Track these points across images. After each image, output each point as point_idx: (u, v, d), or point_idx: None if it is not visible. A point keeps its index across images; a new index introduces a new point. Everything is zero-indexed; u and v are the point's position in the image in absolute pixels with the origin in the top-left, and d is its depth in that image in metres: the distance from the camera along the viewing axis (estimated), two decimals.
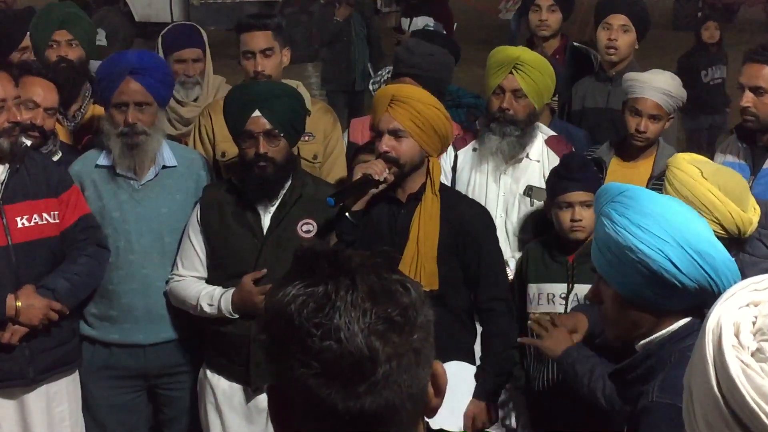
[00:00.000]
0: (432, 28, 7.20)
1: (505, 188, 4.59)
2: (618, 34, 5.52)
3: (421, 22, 11.16)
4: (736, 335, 1.33)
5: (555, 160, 4.58)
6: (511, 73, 4.50)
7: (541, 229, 4.54)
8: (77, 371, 4.44)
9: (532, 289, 4.31)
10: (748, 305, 1.36)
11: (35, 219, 4.18)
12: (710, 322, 1.36)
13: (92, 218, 4.34)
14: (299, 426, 1.52)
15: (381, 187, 4.03)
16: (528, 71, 4.52)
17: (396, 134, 4.01)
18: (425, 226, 4.06)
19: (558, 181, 4.20)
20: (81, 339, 4.47)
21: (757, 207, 3.69)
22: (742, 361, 1.30)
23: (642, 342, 2.61)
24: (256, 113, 4.12)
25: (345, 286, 1.48)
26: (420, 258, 3.96)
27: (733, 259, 2.52)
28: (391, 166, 4.01)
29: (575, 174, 4.16)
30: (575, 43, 6.31)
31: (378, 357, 1.45)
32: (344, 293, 1.47)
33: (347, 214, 4.04)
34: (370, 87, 5.85)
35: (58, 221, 4.24)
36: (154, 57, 4.54)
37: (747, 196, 3.55)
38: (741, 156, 4.41)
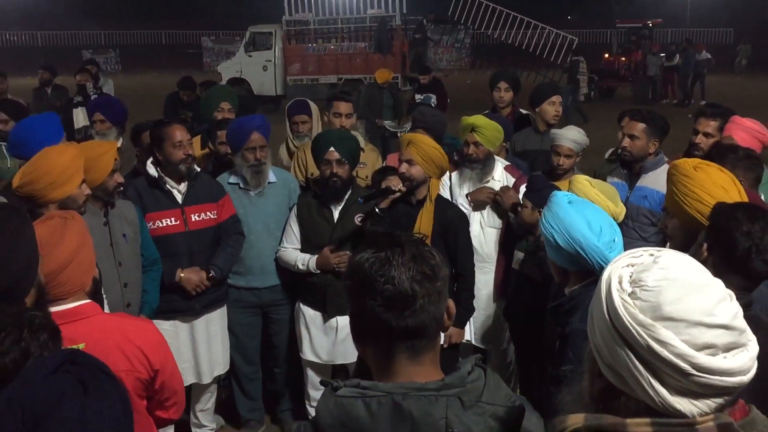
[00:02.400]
0: (424, 101, 7.10)
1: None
2: (557, 108, 5.51)
3: (423, 97, 11.19)
4: (620, 283, 1.30)
5: (510, 179, 4.56)
6: (471, 132, 4.46)
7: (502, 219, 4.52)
8: (225, 305, 4.44)
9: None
10: (628, 265, 1.33)
11: (202, 215, 4.16)
12: (605, 274, 1.34)
13: (237, 216, 4.33)
14: (369, 338, 1.54)
15: (397, 194, 4.02)
16: (482, 131, 4.46)
17: (409, 162, 4.04)
18: (424, 220, 4.07)
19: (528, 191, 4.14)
20: (227, 286, 4.47)
21: (623, 206, 3.62)
22: (623, 299, 1.28)
23: (568, 290, 2.61)
24: (332, 149, 4.11)
25: (398, 252, 1.49)
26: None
27: (599, 245, 2.47)
28: (405, 182, 4.04)
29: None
30: (521, 110, 6.29)
31: (417, 295, 1.47)
32: (397, 257, 1.48)
33: (377, 210, 4.01)
34: (399, 135, 5.71)
35: (216, 217, 4.21)
36: (265, 118, 4.52)
37: (617, 199, 3.50)
38: (623, 178, 4.37)
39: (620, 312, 1.26)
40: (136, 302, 3.73)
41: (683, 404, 1.23)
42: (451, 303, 1.55)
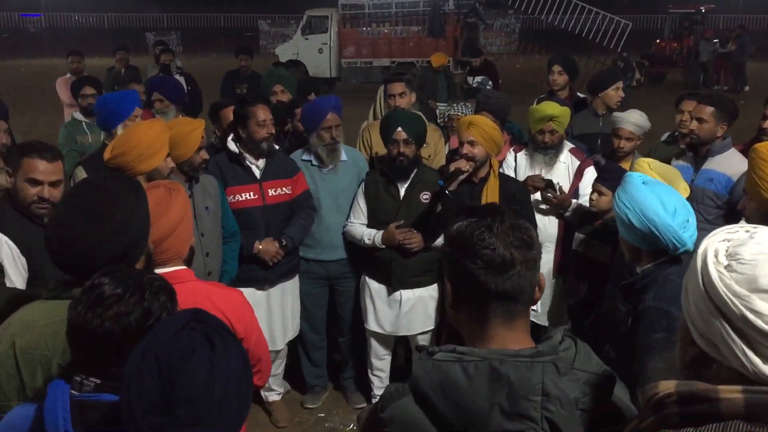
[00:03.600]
0: (481, 83, 7.05)
1: (546, 176, 4.53)
2: (620, 93, 5.48)
3: (481, 79, 11.10)
4: (716, 256, 1.31)
5: (575, 162, 4.56)
6: (548, 122, 4.45)
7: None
8: (297, 275, 4.54)
9: None
10: (724, 240, 1.34)
11: (278, 190, 4.25)
12: (701, 248, 1.34)
13: (309, 191, 4.42)
14: (465, 303, 1.56)
15: (465, 174, 4.04)
16: (560, 119, 4.47)
17: (472, 143, 4.06)
18: (490, 195, 4.09)
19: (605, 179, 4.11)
20: (300, 258, 4.58)
21: (688, 188, 3.59)
22: (719, 271, 1.28)
23: (641, 268, 2.61)
24: (399, 129, 4.15)
25: (498, 220, 1.53)
26: None
27: (673, 224, 2.46)
28: (470, 162, 4.04)
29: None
30: (578, 94, 6.23)
31: (515, 261, 1.50)
32: (497, 224, 1.52)
33: (447, 192, 4.05)
34: (438, 121, 5.68)
35: (290, 192, 4.29)
36: (339, 99, 4.56)
37: (678, 180, 3.46)
38: (688, 160, 4.31)
39: (716, 283, 1.28)
40: (216, 271, 3.84)
41: None
42: (542, 276, 1.58)
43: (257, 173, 4.21)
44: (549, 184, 4.39)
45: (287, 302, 4.46)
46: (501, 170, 4.43)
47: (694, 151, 4.30)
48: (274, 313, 4.38)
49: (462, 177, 4.06)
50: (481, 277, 1.49)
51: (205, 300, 2.41)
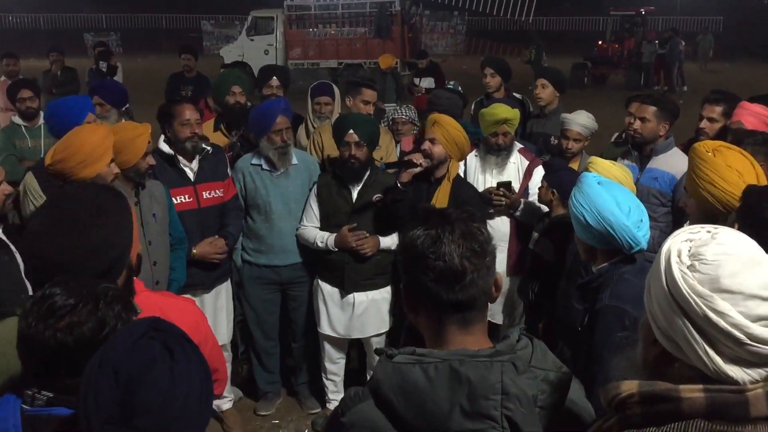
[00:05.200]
0: (452, 86, 7.14)
1: (494, 177, 4.57)
2: (540, 90, 5.66)
3: (427, 81, 11.17)
4: (679, 256, 1.33)
5: (524, 162, 4.60)
6: (502, 124, 4.49)
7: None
8: (229, 280, 4.52)
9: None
10: (686, 240, 1.35)
11: (212, 193, 4.21)
12: (664, 247, 1.35)
13: (239, 195, 4.41)
14: (421, 307, 1.57)
15: (418, 168, 4.04)
16: (513, 122, 4.53)
17: (432, 141, 4.08)
18: (440, 198, 4.10)
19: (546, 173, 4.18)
20: (243, 261, 4.54)
21: (634, 188, 3.67)
22: (682, 271, 1.30)
23: (596, 267, 2.65)
24: (351, 131, 4.14)
25: (448, 230, 1.52)
26: None
27: (628, 224, 2.50)
28: (426, 159, 4.06)
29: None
30: (515, 94, 6.34)
31: (467, 271, 1.50)
32: (448, 234, 1.52)
33: (399, 184, 4.05)
34: (382, 123, 5.73)
35: (223, 195, 4.27)
36: (288, 101, 4.53)
37: (630, 181, 3.54)
38: (634, 160, 4.41)
39: (679, 283, 1.29)
40: (164, 280, 3.76)
41: (735, 372, 1.26)
42: (499, 276, 1.59)
43: (191, 175, 4.15)
44: (507, 186, 4.43)
45: (221, 306, 4.42)
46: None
47: (639, 150, 4.39)
48: (207, 317, 4.27)
49: (414, 171, 4.05)
50: (433, 288, 1.50)
51: (157, 311, 2.32)
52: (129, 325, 1.51)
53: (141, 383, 1.30)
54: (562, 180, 3.84)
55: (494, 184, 4.47)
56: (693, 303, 1.27)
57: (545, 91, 5.66)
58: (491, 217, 4.52)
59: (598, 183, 2.61)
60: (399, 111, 5.71)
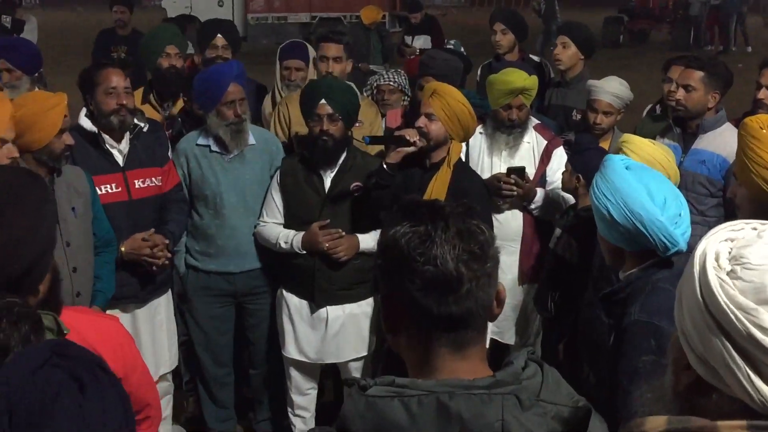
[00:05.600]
0: (452, 47, 7.13)
1: (504, 161, 4.58)
2: (560, 50, 5.66)
3: (422, 40, 11.16)
4: (716, 260, 1.32)
5: (541, 141, 4.63)
6: (517, 96, 4.49)
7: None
8: (170, 291, 4.50)
9: None
10: (726, 240, 1.35)
11: (147, 182, 4.21)
12: (698, 250, 1.35)
13: (182, 184, 4.42)
14: (404, 326, 1.56)
15: (411, 148, 4.06)
16: (530, 93, 4.54)
17: (430, 117, 4.10)
18: (436, 189, 4.12)
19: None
20: (187, 267, 4.54)
21: (678, 173, 3.70)
22: (720, 278, 1.29)
23: (624, 274, 2.66)
24: (323, 101, 4.14)
25: (441, 227, 1.52)
26: None
27: (662, 219, 2.52)
28: (422, 139, 4.08)
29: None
30: (532, 56, 6.34)
31: (463, 278, 1.50)
32: (440, 232, 1.51)
33: (385, 165, 4.06)
34: (364, 93, 5.78)
35: (160, 184, 4.27)
36: (241, 65, 4.53)
37: (673, 165, 3.59)
38: (676, 139, 4.43)
39: (717, 293, 1.29)
40: (86, 291, 3.74)
41: None
42: (501, 287, 1.59)
43: (119, 159, 4.14)
44: (520, 173, 4.44)
45: (160, 324, 4.42)
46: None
47: (682, 127, 4.43)
48: (143, 338, 4.30)
49: (406, 150, 4.06)
50: (420, 300, 1.49)
51: (71, 333, 2.35)
52: (26, 350, 1.50)
53: (42, 422, 1.29)
54: (590, 162, 3.87)
55: (504, 170, 4.48)
56: (734, 318, 1.27)
57: (566, 53, 5.67)
58: (499, 211, 4.54)
59: (626, 167, 2.62)
60: (385, 76, 5.71)
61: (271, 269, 4.51)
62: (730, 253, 1.33)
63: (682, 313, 1.37)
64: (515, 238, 4.59)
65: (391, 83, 5.60)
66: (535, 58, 6.35)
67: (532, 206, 4.53)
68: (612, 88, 4.74)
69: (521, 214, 4.59)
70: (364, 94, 5.76)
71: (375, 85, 5.74)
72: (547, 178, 4.61)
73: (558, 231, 4.18)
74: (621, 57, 18.62)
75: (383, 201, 4.06)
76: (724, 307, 1.28)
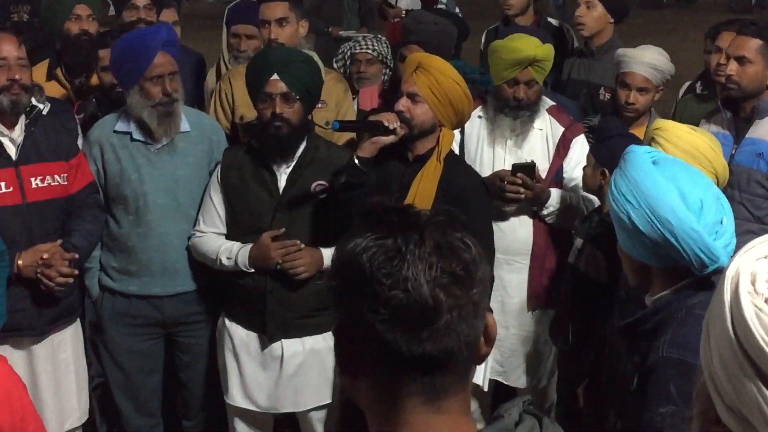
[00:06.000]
0: (445, 7, 7.16)
1: (510, 154, 4.59)
2: (583, 11, 5.67)
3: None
4: (752, 283, 1.32)
5: (557, 128, 4.64)
6: (526, 68, 4.48)
7: None
8: (78, 320, 4.47)
9: None
10: (765, 257, 1.35)
11: (47, 180, 4.19)
12: (729, 270, 1.35)
13: (96, 184, 4.40)
14: (364, 366, 1.55)
15: (390, 138, 4.04)
16: (543, 65, 4.53)
17: (413, 98, 4.08)
18: (423, 188, 4.11)
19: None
20: (101, 289, 4.52)
21: (727, 168, 3.74)
22: (756, 306, 1.29)
23: (651, 298, 2.65)
24: (275, 77, 4.12)
25: (414, 240, 1.49)
26: None
27: (698, 228, 2.52)
28: (403, 125, 4.06)
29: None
30: (549, 19, 6.36)
31: (441, 307, 1.47)
32: (413, 247, 1.49)
33: (356, 159, 4.05)
34: (334, 65, 5.80)
35: (66, 183, 4.26)
36: (172, 29, 4.54)
37: (718, 157, 3.61)
38: (725, 126, 4.44)
39: (752, 327, 1.29)
40: None
41: None
42: (491, 321, 1.58)
43: (11, 151, 4.13)
44: (529, 170, 4.44)
45: (65, 364, 4.38)
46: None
47: (734, 110, 4.43)
48: (43, 384, 4.27)
49: (384, 140, 4.05)
50: (386, 334, 1.47)
51: None
52: None
53: None
54: (618, 153, 3.87)
55: (509, 166, 4.49)
56: None
57: (591, 14, 5.69)
58: (504, 218, 4.56)
59: (653, 162, 2.62)
60: (361, 43, 5.71)
61: (211, 292, 4.50)
62: None
63: (709, 352, 1.37)
64: (524, 251, 4.60)
65: (369, 51, 5.60)
66: (554, 22, 6.37)
67: (545, 212, 4.53)
68: (649, 58, 4.76)
69: (531, 221, 4.59)
70: (335, 65, 5.76)
71: (348, 54, 5.74)
72: (564, 175, 4.62)
73: (579, 241, 4.18)
74: (663, 20, 18.68)
75: (353, 205, 4.05)
76: (762, 343, 1.29)
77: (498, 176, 4.47)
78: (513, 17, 6.04)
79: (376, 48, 5.63)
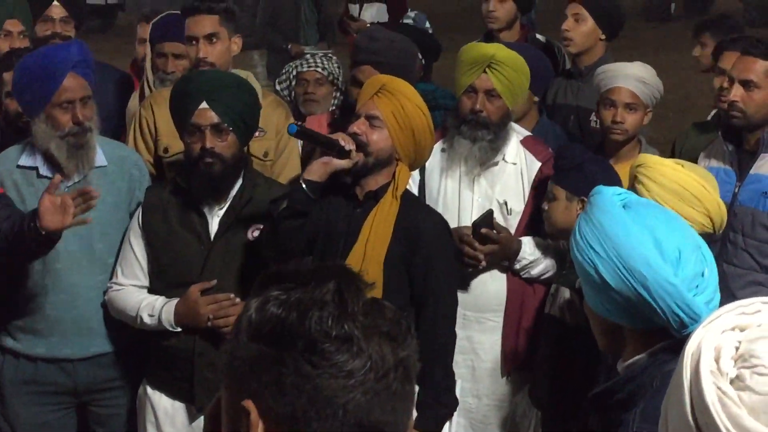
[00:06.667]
0: (413, 22, 7.19)
1: (480, 194, 4.61)
2: (570, 24, 5.69)
3: (374, 10, 11.20)
4: (716, 360, 1.34)
5: (533, 162, 4.65)
6: (485, 72, 4.50)
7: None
8: None
9: None
10: (733, 329, 1.37)
11: None
12: (690, 345, 1.37)
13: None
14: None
15: (344, 162, 4.02)
16: (503, 70, 4.53)
17: (372, 121, 4.08)
18: (377, 229, 4.11)
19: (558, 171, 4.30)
20: (2, 351, 4.48)
21: (724, 208, 3.75)
22: (720, 388, 1.31)
23: (624, 364, 2.64)
24: (204, 105, 4.13)
25: (352, 291, 1.52)
26: (365, 261, 3.99)
27: (676, 282, 2.52)
28: (357, 148, 4.05)
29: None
30: (537, 36, 6.38)
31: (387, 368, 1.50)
32: (353, 298, 1.51)
33: (303, 183, 4.02)
34: (276, 86, 5.87)
35: None
36: (86, 47, 4.47)
37: (709, 196, 3.62)
38: (727, 160, 4.47)
39: (714, 414, 1.30)
40: None
41: None
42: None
43: None
44: (487, 222, 4.44)
45: None
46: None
47: (737, 142, 4.46)
48: None
49: (337, 164, 4.03)
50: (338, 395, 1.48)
51: None
52: None
53: None
54: (593, 176, 3.94)
55: (477, 209, 4.54)
56: None
57: (579, 29, 5.72)
58: (471, 272, 4.58)
59: (623, 206, 2.63)
60: (309, 61, 5.72)
61: (130, 354, 4.49)
62: (737, 349, 1.34)
63: None
64: (496, 308, 4.63)
65: (318, 70, 5.61)
66: (542, 38, 6.39)
67: (517, 266, 4.54)
68: (634, 71, 4.78)
69: (504, 275, 4.62)
70: (277, 86, 5.77)
71: (294, 73, 5.75)
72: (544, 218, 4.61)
73: (565, 292, 4.18)
74: (670, 34, 18.80)
75: (295, 239, 4.03)
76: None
77: (457, 235, 4.46)
78: (497, 32, 6.07)
79: (326, 67, 5.65)
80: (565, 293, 4.18)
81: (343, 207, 4.18)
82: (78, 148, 4.31)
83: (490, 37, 6.07)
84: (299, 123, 4.16)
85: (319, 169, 4.04)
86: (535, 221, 4.62)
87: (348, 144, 4.02)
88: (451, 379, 4.24)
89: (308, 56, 5.89)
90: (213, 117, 4.13)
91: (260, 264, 4.19)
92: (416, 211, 4.23)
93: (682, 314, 2.52)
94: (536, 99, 5.13)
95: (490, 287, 4.61)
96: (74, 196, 3.91)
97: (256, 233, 4.21)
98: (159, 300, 4.26)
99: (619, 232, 2.57)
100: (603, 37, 5.76)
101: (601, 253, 2.57)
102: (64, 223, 3.87)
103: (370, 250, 4.04)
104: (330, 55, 5.98)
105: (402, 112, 4.09)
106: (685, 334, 2.55)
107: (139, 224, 4.33)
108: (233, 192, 4.26)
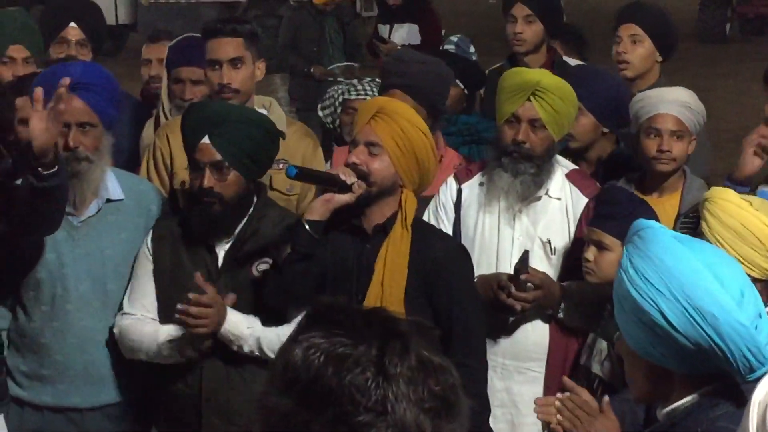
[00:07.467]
0: (454, 48, 7.23)
1: (521, 231, 4.58)
2: (627, 47, 5.68)
3: (404, 31, 11.23)
4: None
5: (579, 198, 4.62)
6: (528, 100, 4.48)
7: (563, 280, 4.56)
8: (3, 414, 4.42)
9: None
10: None
11: None
12: (758, 392, 1.39)
13: None
14: None
15: (347, 196, 4.05)
16: (548, 98, 4.50)
17: (371, 148, 4.08)
18: (391, 265, 4.11)
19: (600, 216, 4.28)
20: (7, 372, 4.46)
21: None
22: None
23: (665, 410, 2.63)
24: (205, 140, 4.17)
25: (398, 349, 1.52)
26: (384, 301, 3.98)
27: (747, 324, 2.50)
28: (359, 181, 4.06)
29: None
30: (565, 59, 6.38)
31: None
32: (397, 357, 1.51)
33: (305, 223, 4.03)
34: (320, 112, 5.93)
35: None
36: (100, 70, 4.51)
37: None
38: None
39: None
40: None
41: None
42: None
43: None
44: (522, 264, 4.40)
45: None
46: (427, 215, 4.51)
47: None
48: None
49: (339, 200, 4.06)
50: None
51: None
52: None
53: None
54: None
55: (518, 248, 4.51)
56: None
57: (637, 51, 5.69)
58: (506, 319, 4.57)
59: (675, 237, 2.63)
60: (357, 88, 5.75)
61: (140, 404, 4.49)
62: None
63: None
64: (538, 357, 4.62)
65: (370, 98, 5.59)
66: (572, 62, 6.39)
67: (561, 313, 4.51)
68: (678, 96, 4.78)
69: (545, 324, 4.61)
70: (320, 113, 5.79)
71: (340, 99, 5.78)
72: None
73: (603, 344, 4.16)
74: (727, 56, 18.82)
75: (302, 283, 4.05)
76: None
77: (496, 282, 4.43)
78: (523, 55, 6.12)
79: (376, 94, 5.61)
80: (602, 345, 4.17)
81: (351, 243, 4.19)
82: (80, 180, 4.32)
83: (514, 60, 6.16)
84: (298, 166, 4.16)
85: (321, 207, 4.08)
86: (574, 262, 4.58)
87: (349, 177, 4.04)
88: (487, 410, 4.23)
89: (356, 82, 5.89)
90: (214, 154, 4.16)
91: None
92: (430, 240, 4.23)
93: (752, 358, 2.50)
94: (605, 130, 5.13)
95: (531, 335, 4.60)
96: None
97: (262, 267, 4.24)
98: (171, 328, 4.24)
99: (684, 270, 2.54)
100: (660, 59, 5.76)
101: (665, 293, 2.52)
102: (51, 131, 3.88)
103: (387, 288, 4.05)
104: (377, 80, 5.92)
105: (402, 135, 4.09)
106: (749, 380, 2.54)
107: (149, 252, 4.35)
108: (239, 227, 4.29)
